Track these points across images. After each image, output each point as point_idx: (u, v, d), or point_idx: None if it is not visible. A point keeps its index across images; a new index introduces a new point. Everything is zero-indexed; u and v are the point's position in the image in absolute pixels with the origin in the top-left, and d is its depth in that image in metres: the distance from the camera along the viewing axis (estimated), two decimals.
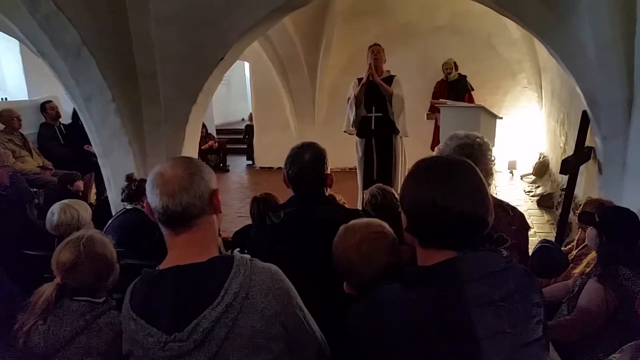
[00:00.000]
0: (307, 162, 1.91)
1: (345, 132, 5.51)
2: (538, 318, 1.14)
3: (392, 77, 5.28)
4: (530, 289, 1.15)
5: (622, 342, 2.13)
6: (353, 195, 5.40)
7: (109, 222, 3.47)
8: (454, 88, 7.34)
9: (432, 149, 7.01)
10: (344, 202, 3.28)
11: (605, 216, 2.35)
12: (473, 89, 7.46)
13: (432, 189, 1.12)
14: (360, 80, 5.30)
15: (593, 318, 2.20)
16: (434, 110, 6.86)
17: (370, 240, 1.38)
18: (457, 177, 1.14)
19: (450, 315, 1.06)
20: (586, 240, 2.50)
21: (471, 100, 7.23)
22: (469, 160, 1.23)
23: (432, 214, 1.12)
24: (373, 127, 5.24)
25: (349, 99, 5.32)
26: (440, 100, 6.56)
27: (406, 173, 1.25)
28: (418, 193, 1.15)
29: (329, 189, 2.01)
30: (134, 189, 3.47)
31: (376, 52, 5.22)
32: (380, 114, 5.18)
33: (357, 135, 5.42)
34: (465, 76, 7.52)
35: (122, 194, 3.55)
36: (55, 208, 3.00)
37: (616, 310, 2.16)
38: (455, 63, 7.49)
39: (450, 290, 1.07)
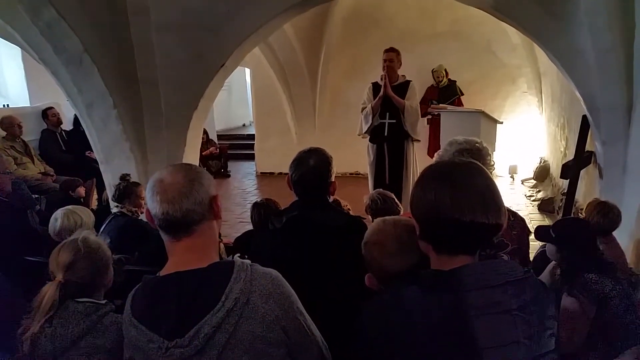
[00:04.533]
0: (311, 167, 1.90)
1: (359, 135, 5.49)
2: (551, 331, 1.12)
3: (408, 82, 5.22)
4: (546, 301, 1.14)
5: (610, 345, 2.16)
6: (354, 199, 5.40)
7: (100, 230, 3.42)
8: (444, 94, 7.42)
9: (429, 153, 7.03)
10: (348, 209, 3.27)
11: (561, 230, 2.38)
12: (462, 94, 7.54)
13: (440, 198, 1.11)
14: (374, 84, 5.28)
15: (577, 331, 2.20)
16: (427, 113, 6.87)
17: (410, 232, 1.39)
18: (465, 183, 1.12)
19: (462, 323, 1.05)
20: (547, 253, 2.53)
21: (460, 104, 7.30)
22: (477, 162, 1.22)
23: (443, 222, 1.11)
24: (386, 134, 5.19)
25: (363, 108, 5.27)
26: (440, 105, 6.57)
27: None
28: (427, 201, 1.14)
29: (331, 197, 2.01)
30: (121, 190, 3.46)
31: (389, 59, 5.10)
32: (394, 121, 5.14)
33: (369, 140, 5.40)
34: (454, 81, 7.60)
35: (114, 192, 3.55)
36: (59, 214, 3.00)
37: (596, 316, 2.19)
38: (445, 70, 7.56)
39: (464, 297, 1.06)
